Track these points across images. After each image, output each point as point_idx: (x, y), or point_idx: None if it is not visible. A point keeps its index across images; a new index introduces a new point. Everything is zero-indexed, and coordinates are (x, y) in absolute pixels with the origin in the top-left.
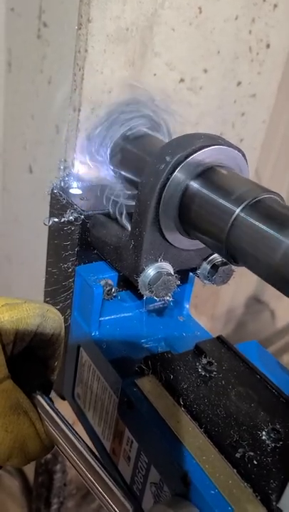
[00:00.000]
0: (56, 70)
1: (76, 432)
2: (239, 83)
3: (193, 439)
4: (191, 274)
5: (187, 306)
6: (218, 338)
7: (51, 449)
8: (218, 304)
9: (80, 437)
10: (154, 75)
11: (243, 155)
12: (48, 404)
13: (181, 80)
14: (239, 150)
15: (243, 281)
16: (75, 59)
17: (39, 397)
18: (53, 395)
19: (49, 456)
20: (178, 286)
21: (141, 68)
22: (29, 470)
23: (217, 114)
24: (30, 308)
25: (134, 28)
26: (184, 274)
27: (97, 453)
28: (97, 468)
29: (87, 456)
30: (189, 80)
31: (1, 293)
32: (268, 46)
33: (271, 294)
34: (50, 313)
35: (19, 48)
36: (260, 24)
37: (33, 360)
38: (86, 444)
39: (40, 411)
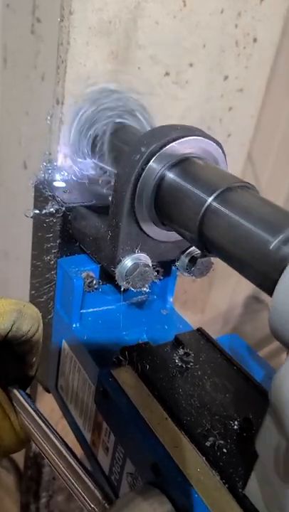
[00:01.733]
0: (49, 65)
1: (51, 426)
2: (226, 77)
3: (165, 429)
4: (173, 267)
5: (170, 299)
6: (198, 330)
7: (27, 442)
8: (212, 301)
9: (55, 431)
10: (139, 68)
11: (220, 146)
12: (24, 398)
13: (166, 74)
14: (216, 142)
15: (243, 280)
16: (58, 51)
17: (15, 391)
18: (40, 388)
19: (38, 449)
20: (160, 279)
21: (125, 61)
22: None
23: (204, 109)
24: (6, 303)
25: (117, 20)
26: (166, 267)
27: (75, 450)
28: (70, 460)
29: (60, 448)
30: (175, 73)
31: None
32: (254, 40)
33: None
34: (27, 309)
35: (14, 44)
36: (246, 18)
37: (10, 355)
38: (61, 438)
39: (15, 404)
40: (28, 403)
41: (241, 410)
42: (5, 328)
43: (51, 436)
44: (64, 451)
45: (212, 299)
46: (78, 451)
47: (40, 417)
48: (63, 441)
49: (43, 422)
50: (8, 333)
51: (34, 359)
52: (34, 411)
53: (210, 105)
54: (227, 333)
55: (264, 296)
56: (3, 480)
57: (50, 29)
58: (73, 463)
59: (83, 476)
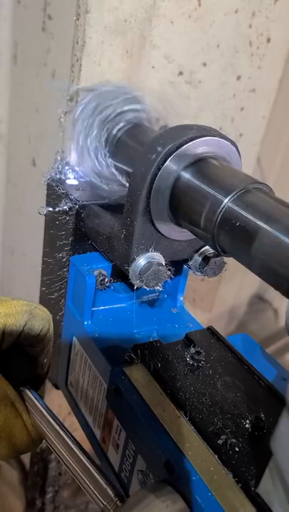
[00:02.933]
0: (59, 63)
1: (63, 425)
2: (239, 77)
3: (178, 427)
4: (185, 266)
5: (181, 298)
6: (209, 328)
7: (39, 442)
8: (217, 299)
9: (67, 430)
10: (153, 67)
11: (236, 147)
12: (36, 398)
13: (180, 73)
14: (232, 142)
15: (247, 280)
16: (73, 50)
17: (27, 391)
18: (48, 385)
19: (44, 445)
20: (172, 278)
21: (139, 60)
22: (28, 461)
23: (216, 109)
24: (18, 304)
25: (132, 19)
26: (178, 266)
27: (84, 446)
28: (83, 458)
29: (73, 447)
30: (188, 73)
31: (4, 283)
32: (268, 40)
33: (274, 292)
34: (38, 311)
35: (25, 41)
36: (260, 18)
37: (21, 355)
38: (73, 437)
39: (27, 404)
40: (39, 403)
41: (252, 409)
42: (17, 329)
43: (63, 435)
44: (76, 450)
45: (219, 298)
46: (87, 447)
47: (52, 417)
48: (75, 440)
49: (55, 422)
50: (20, 333)
51: (45, 360)
52: (46, 410)
53: (222, 105)
54: (230, 334)
55: (268, 295)
56: (7, 476)
57: (62, 27)
58: (85, 461)
59: (95, 474)
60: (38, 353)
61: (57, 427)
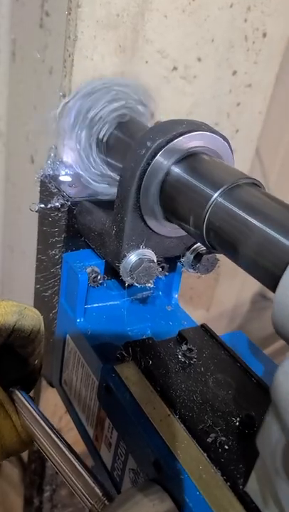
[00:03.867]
0: (56, 59)
1: (53, 426)
2: (234, 72)
3: (167, 425)
4: (179, 263)
5: (176, 295)
6: (202, 326)
7: (30, 444)
8: (218, 297)
9: (57, 430)
10: (146, 62)
11: (228, 142)
12: (26, 399)
13: (174, 68)
14: (223, 137)
15: (249, 277)
16: (65, 45)
17: (16, 392)
18: (44, 383)
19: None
20: (166, 275)
21: (132, 55)
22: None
23: (212, 104)
24: (7, 305)
25: (124, 14)
26: (172, 263)
27: (78, 445)
28: (71, 458)
29: (61, 447)
30: (183, 68)
31: (4, 282)
32: (264, 35)
33: None
34: (28, 311)
35: (23, 38)
36: (256, 12)
37: (12, 356)
38: (61, 436)
39: (17, 405)
40: (29, 404)
41: (243, 407)
42: (6, 328)
43: (52, 435)
44: (65, 450)
45: (218, 296)
46: (81, 446)
47: (41, 418)
48: (64, 439)
49: (44, 422)
50: (10, 333)
51: (36, 361)
52: (35, 411)
53: (218, 100)
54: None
55: (271, 293)
56: (8, 473)
57: (58, 23)
58: (74, 461)
59: (83, 473)
60: (28, 354)
61: (46, 428)
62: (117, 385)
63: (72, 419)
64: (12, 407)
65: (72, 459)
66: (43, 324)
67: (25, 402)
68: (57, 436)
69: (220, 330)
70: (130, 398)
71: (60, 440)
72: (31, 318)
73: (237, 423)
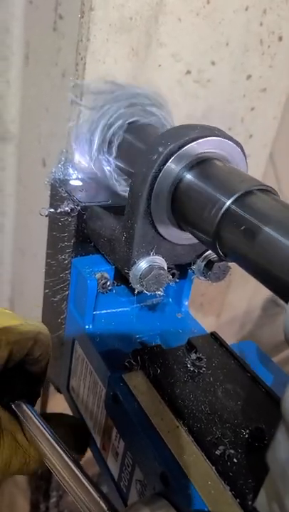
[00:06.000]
0: (69, 62)
1: (58, 438)
2: (249, 77)
3: (175, 437)
4: (190, 270)
5: (186, 303)
6: (212, 334)
7: (40, 460)
8: (229, 304)
9: (63, 444)
10: (159, 66)
11: (241, 148)
12: (31, 412)
13: (188, 72)
14: (237, 143)
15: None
16: (77, 48)
17: (22, 405)
18: (52, 388)
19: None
20: (176, 282)
21: (145, 59)
22: None
23: (225, 109)
24: (25, 331)
25: (138, 17)
26: (183, 270)
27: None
28: (76, 471)
29: (66, 459)
30: (196, 72)
31: (15, 284)
32: (280, 39)
33: None
34: (42, 336)
35: (36, 41)
36: (271, 16)
37: (18, 372)
38: (67, 449)
39: (22, 419)
40: (35, 417)
41: (253, 419)
42: (20, 354)
43: (58, 449)
44: (70, 463)
45: (229, 302)
46: (88, 454)
47: (46, 430)
48: (70, 453)
49: (50, 435)
50: (23, 357)
51: (41, 377)
52: (41, 425)
53: (232, 105)
54: (243, 339)
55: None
56: (16, 477)
57: (71, 26)
58: (79, 474)
59: (88, 487)
60: (34, 372)
61: (52, 441)
62: (125, 394)
63: None
64: (16, 426)
65: (78, 473)
66: (51, 345)
67: (32, 416)
68: (63, 450)
69: (230, 336)
70: (138, 408)
71: (66, 454)
72: (42, 343)
73: (246, 435)
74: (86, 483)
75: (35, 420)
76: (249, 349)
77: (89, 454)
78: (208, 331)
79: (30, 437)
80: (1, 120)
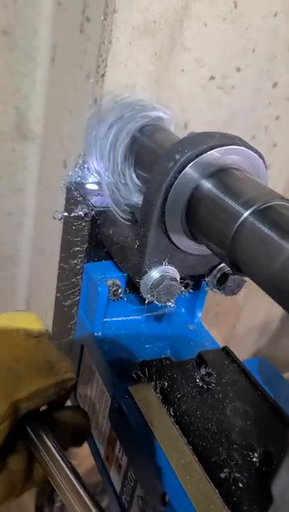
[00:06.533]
0: (94, 65)
1: (70, 462)
2: (275, 84)
3: (179, 456)
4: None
5: (199, 314)
6: (224, 348)
7: (43, 482)
8: (246, 314)
9: (72, 466)
10: (182, 70)
11: (262, 158)
12: (45, 434)
13: (212, 78)
14: (258, 153)
15: None
16: (99, 50)
17: (34, 427)
18: None
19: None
20: (190, 292)
21: (168, 63)
22: None
23: (249, 116)
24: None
25: (162, 20)
26: (197, 281)
27: (88, 461)
28: (86, 499)
29: (76, 485)
30: (220, 78)
31: (32, 283)
32: None
33: None
34: (68, 382)
35: (63, 43)
36: None
37: None
38: (78, 474)
39: (34, 440)
40: (47, 438)
41: (262, 441)
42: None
43: (63, 466)
44: (79, 489)
45: (246, 312)
46: (91, 463)
47: (58, 452)
48: (79, 477)
49: (61, 458)
50: None
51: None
52: (53, 446)
53: (256, 113)
54: (258, 351)
55: None
56: None
57: (96, 28)
58: (87, 501)
59: (92, 508)
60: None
61: (62, 464)
62: (130, 407)
63: None
64: (25, 454)
65: (86, 500)
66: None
67: (44, 437)
68: (72, 473)
69: (245, 348)
70: (142, 423)
71: (76, 478)
72: (65, 387)
73: (254, 459)
74: (91, 506)
75: (47, 441)
76: (262, 366)
77: (92, 463)
78: (223, 342)
79: (40, 460)
80: (25, 120)
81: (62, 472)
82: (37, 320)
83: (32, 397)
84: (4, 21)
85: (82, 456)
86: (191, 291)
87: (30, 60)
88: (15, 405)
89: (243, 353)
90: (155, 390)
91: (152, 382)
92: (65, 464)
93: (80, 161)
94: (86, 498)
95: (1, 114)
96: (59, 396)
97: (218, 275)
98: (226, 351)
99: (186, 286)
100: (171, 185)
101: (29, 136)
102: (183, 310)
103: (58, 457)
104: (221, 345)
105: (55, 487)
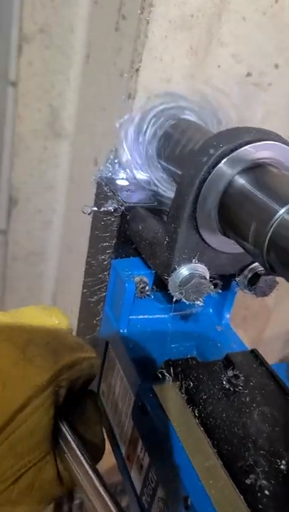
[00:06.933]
0: (128, 62)
1: (96, 470)
2: None
3: (204, 458)
4: (234, 282)
5: (227, 315)
6: (252, 351)
7: (70, 488)
8: (275, 319)
9: (99, 473)
10: (218, 66)
11: None
12: (70, 435)
13: (248, 74)
14: None
15: None
16: (134, 44)
17: (62, 427)
18: None
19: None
20: (219, 292)
21: (204, 58)
22: None
23: (287, 114)
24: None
25: (200, 14)
26: (226, 281)
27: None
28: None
29: (103, 493)
30: (257, 74)
31: (59, 281)
32: None
33: None
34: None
35: (98, 40)
36: None
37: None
38: (104, 482)
39: (62, 442)
40: (73, 440)
41: None
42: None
43: (95, 480)
44: (106, 497)
45: (276, 316)
46: (112, 461)
47: (84, 458)
48: (105, 485)
49: (87, 463)
50: None
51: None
52: (79, 451)
53: None
54: (287, 357)
55: None
56: None
57: (132, 25)
58: (107, 500)
59: None
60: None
61: (79, 455)
62: (154, 406)
63: (105, 432)
64: (52, 458)
65: (106, 499)
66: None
67: (70, 439)
68: (98, 481)
69: (274, 353)
70: (166, 423)
71: (102, 486)
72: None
73: (281, 466)
74: None
75: (73, 445)
76: None
77: (113, 461)
78: (250, 346)
79: (67, 466)
80: (58, 117)
81: (83, 470)
82: (64, 315)
83: (71, 366)
84: (42, 20)
85: (104, 454)
86: (220, 291)
87: (65, 57)
88: (58, 373)
89: (269, 358)
90: (180, 390)
91: (177, 382)
92: (86, 462)
93: (112, 157)
94: (106, 498)
95: (35, 111)
96: (86, 379)
97: (250, 275)
98: (255, 354)
99: (215, 285)
100: (204, 180)
101: (62, 134)
102: (211, 310)
103: (79, 454)
104: (249, 348)
105: (76, 485)
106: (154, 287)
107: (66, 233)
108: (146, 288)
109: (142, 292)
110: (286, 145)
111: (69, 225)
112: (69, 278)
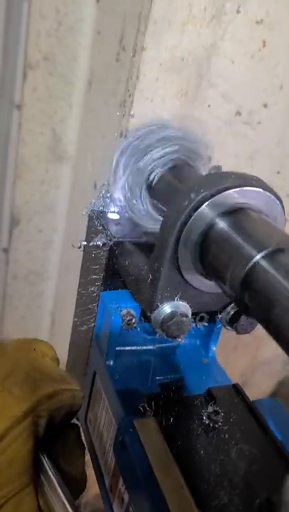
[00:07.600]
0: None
1: (74, 505)
2: None
3: (178, 499)
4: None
5: (214, 348)
6: (234, 386)
7: None
8: (266, 345)
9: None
10: (208, 106)
11: (280, 200)
12: (50, 469)
13: (238, 113)
14: (275, 194)
15: None
16: (126, 85)
17: (43, 460)
18: None
19: None
20: (204, 326)
21: (194, 99)
22: None
23: (275, 152)
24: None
25: (190, 58)
26: (212, 314)
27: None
28: None
29: None
30: (246, 113)
31: (57, 299)
32: None
33: None
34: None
35: (100, 69)
36: None
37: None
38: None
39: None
40: (54, 476)
41: (265, 487)
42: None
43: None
44: None
45: (266, 343)
46: (96, 490)
47: (64, 493)
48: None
49: (67, 500)
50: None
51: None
52: (60, 487)
53: (282, 148)
54: (278, 383)
55: None
56: None
57: (130, 60)
58: None
59: None
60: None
61: (66, 504)
62: (133, 441)
63: (90, 460)
64: (33, 490)
65: None
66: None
67: (50, 473)
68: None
69: (265, 379)
70: (144, 460)
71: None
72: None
73: (255, 506)
74: None
75: (54, 480)
76: (272, 407)
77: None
78: (241, 371)
79: (46, 501)
80: (60, 141)
81: (61, 506)
82: (50, 347)
83: (51, 396)
84: (46, 48)
85: (92, 480)
86: (206, 324)
87: (68, 84)
88: (37, 403)
89: (268, 380)
90: (160, 425)
91: (158, 417)
92: (66, 498)
93: (104, 191)
94: None
95: (38, 135)
96: (69, 411)
97: (232, 312)
98: (237, 389)
99: (201, 319)
100: (185, 223)
101: (64, 157)
102: (198, 342)
103: (59, 490)
104: (239, 377)
105: None
106: (142, 318)
107: (65, 253)
108: (133, 320)
109: (128, 324)
110: (265, 190)
111: (68, 245)
112: (66, 297)
